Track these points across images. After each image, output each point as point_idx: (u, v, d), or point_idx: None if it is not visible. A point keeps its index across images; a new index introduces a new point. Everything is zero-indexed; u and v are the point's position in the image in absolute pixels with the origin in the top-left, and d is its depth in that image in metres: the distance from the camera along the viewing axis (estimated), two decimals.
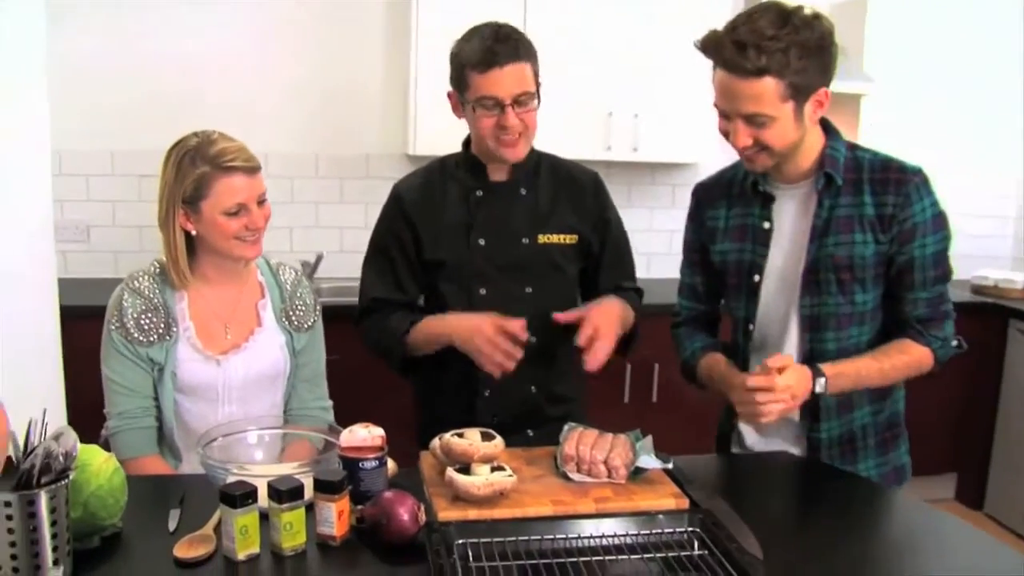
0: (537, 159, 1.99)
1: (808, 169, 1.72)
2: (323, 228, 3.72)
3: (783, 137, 1.61)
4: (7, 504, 1.14)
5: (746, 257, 1.80)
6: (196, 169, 1.73)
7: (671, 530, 1.36)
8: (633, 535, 1.35)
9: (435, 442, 1.52)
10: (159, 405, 1.82)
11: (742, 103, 1.58)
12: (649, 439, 1.53)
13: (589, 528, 1.35)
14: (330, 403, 2.01)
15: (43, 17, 1.93)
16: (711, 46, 1.58)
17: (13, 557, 1.15)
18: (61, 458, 1.20)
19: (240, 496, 1.26)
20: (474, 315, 1.84)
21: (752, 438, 1.88)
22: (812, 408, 1.75)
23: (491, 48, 1.77)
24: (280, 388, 1.93)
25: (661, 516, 1.38)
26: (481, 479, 1.39)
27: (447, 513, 1.37)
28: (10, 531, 1.14)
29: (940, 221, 1.70)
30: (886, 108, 3.96)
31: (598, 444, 1.52)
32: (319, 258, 3.53)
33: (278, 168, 3.51)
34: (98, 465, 1.31)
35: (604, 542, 1.33)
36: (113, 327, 1.80)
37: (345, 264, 3.65)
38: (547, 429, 1.87)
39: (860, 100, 3.93)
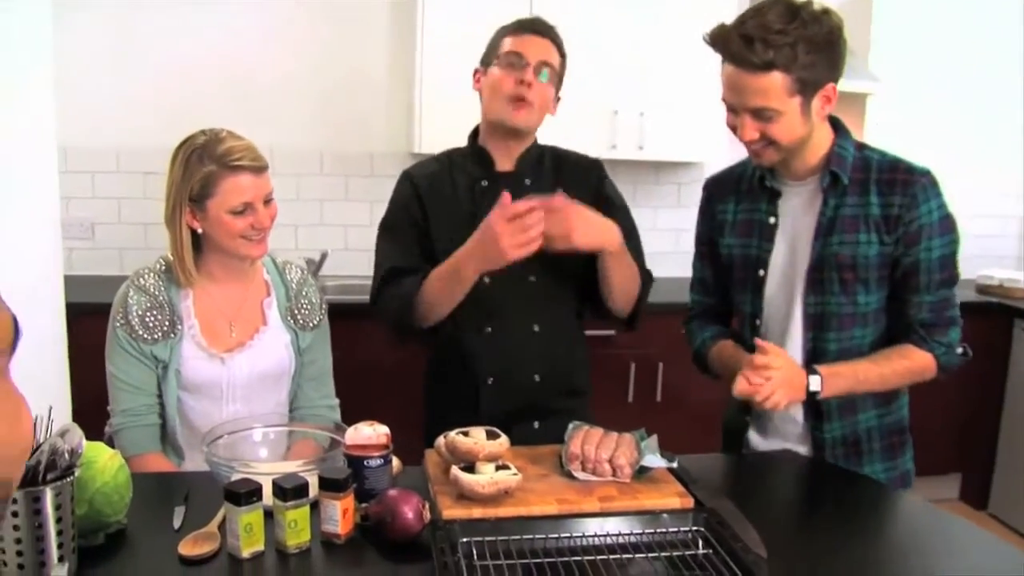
0: (540, 150, 2.01)
1: (816, 166, 1.71)
2: (328, 226, 3.71)
3: (790, 132, 1.61)
4: (13, 501, 1.14)
5: (752, 252, 1.80)
6: (203, 167, 1.73)
7: (675, 529, 1.36)
8: (638, 534, 1.35)
9: (440, 440, 1.52)
10: (163, 403, 1.83)
11: (749, 97, 1.58)
12: (654, 438, 1.53)
13: (593, 527, 1.35)
14: (337, 401, 2.01)
15: (49, 14, 1.93)
16: (719, 40, 1.58)
17: (19, 554, 1.15)
18: (67, 455, 1.20)
19: (244, 494, 1.27)
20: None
21: (757, 438, 1.88)
22: (815, 407, 1.75)
23: (532, 20, 1.95)
24: (285, 387, 1.93)
25: (666, 515, 1.38)
26: (486, 477, 1.39)
27: (452, 511, 1.37)
28: (16, 528, 1.15)
29: (947, 224, 1.68)
30: (892, 108, 3.95)
31: (603, 443, 1.52)
32: (324, 256, 3.52)
33: (283, 166, 3.51)
34: (103, 462, 1.32)
35: (608, 541, 1.33)
36: (118, 324, 1.80)
37: (350, 262, 3.66)
38: (553, 422, 1.85)
39: (866, 99, 3.92)
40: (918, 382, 1.74)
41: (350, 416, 1.68)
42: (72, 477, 1.20)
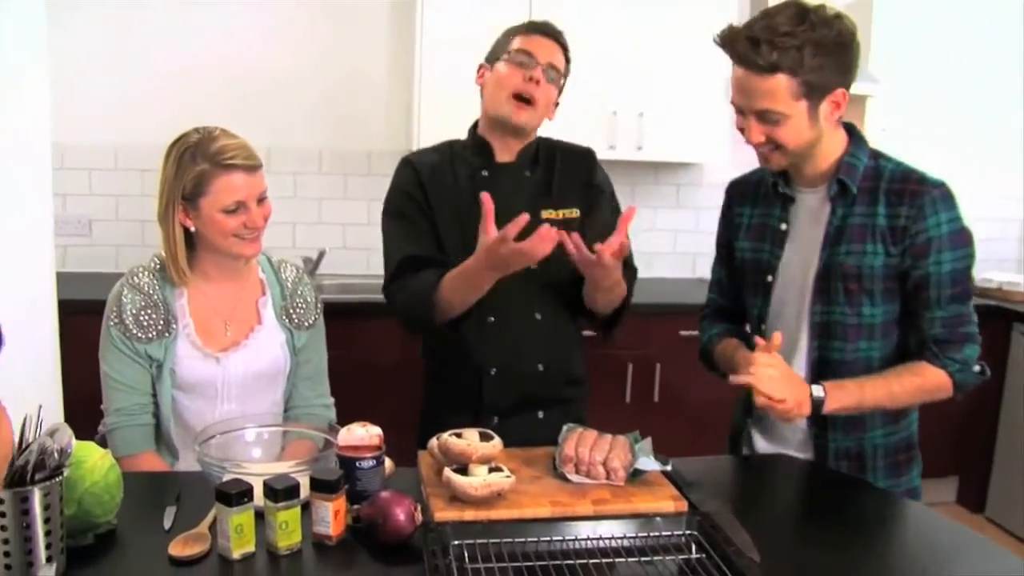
0: (537, 143, 2.02)
1: (827, 173, 1.69)
2: (326, 224, 3.71)
3: (796, 136, 1.60)
4: (0, 501, 1.13)
5: (763, 257, 1.80)
6: (196, 166, 1.72)
7: (669, 533, 1.35)
8: (631, 538, 1.34)
9: (433, 442, 1.52)
10: (157, 402, 1.82)
11: (755, 99, 1.57)
12: (648, 441, 1.52)
13: (587, 530, 1.34)
14: (332, 401, 2.00)
15: (43, 13, 1.93)
16: (727, 41, 1.57)
17: (6, 554, 1.15)
18: (56, 455, 1.20)
19: (236, 495, 1.26)
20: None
21: (762, 441, 1.87)
22: (819, 416, 1.69)
23: (544, 23, 1.97)
24: (280, 386, 1.92)
25: (659, 519, 1.37)
26: (479, 480, 1.39)
27: (444, 513, 1.37)
28: (3, 528, 1.14)
29: (960, 238, 1.63)
30: (892, 110, 3.94)
31: (597, 445, 1.51)
32: (321, 254, 3.52)
33: (282, 164, 3.51)
34: (93, 462, 1.31)
35: (602, 544, 1.33)
36: (112, 323, 1.79)
37: (348, 261, 3.66)
38: (556, 411, 1.91)
39: (866, 101, 3.91)
40: (933, 400, 1.68)
41: (346, 416, 1.68)
42: (61, 477, 1.20)
